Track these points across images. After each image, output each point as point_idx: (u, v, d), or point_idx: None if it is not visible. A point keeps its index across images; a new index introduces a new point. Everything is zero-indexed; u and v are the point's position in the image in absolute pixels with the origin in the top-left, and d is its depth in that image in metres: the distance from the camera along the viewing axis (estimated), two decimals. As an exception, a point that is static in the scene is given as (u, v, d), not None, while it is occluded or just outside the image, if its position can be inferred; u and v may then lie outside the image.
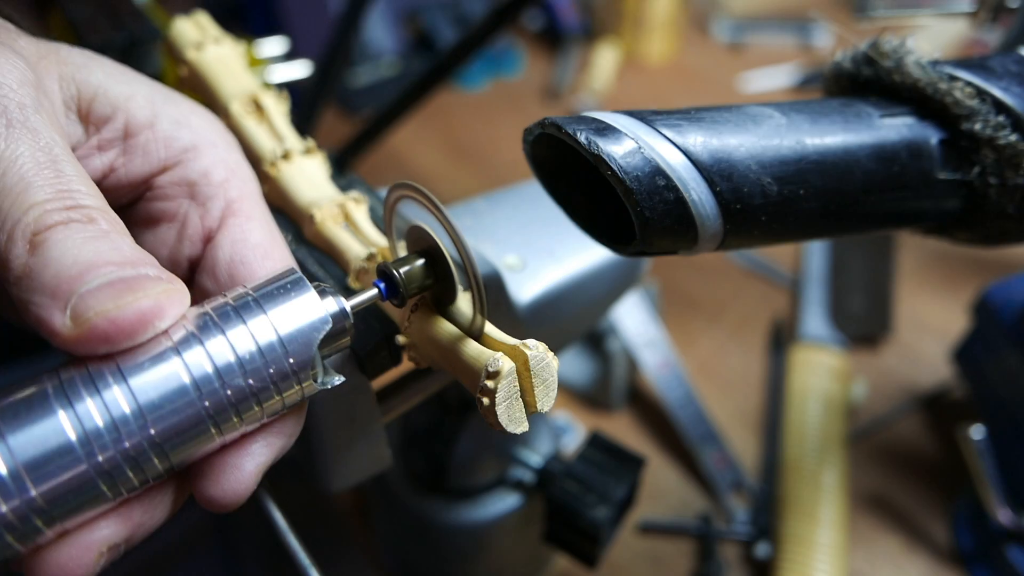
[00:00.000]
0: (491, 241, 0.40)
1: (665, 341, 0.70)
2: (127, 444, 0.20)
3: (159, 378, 0.21)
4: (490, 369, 0.24)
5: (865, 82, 0.33)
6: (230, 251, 0.26)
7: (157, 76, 0.63)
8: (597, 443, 0.46)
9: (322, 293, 0.23)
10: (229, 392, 0.21)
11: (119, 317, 0.20)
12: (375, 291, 0.25)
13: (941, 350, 0.75)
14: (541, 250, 0.40)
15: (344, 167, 0.40)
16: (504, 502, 0.50)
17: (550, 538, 0.46)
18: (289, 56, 0.78)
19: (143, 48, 0.61)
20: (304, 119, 0.63)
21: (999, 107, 0.30)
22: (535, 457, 0.49)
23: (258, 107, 0.35)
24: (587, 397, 0.73)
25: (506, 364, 0.24)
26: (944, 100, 0.30)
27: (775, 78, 1.14)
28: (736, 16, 1.28)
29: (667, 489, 0.65)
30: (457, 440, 0.46)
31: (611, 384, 0.70)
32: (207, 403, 0.21)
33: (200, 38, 0.38)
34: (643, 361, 0.69)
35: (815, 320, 0.75)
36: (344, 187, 0.35)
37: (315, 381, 0.23)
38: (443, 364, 0.27)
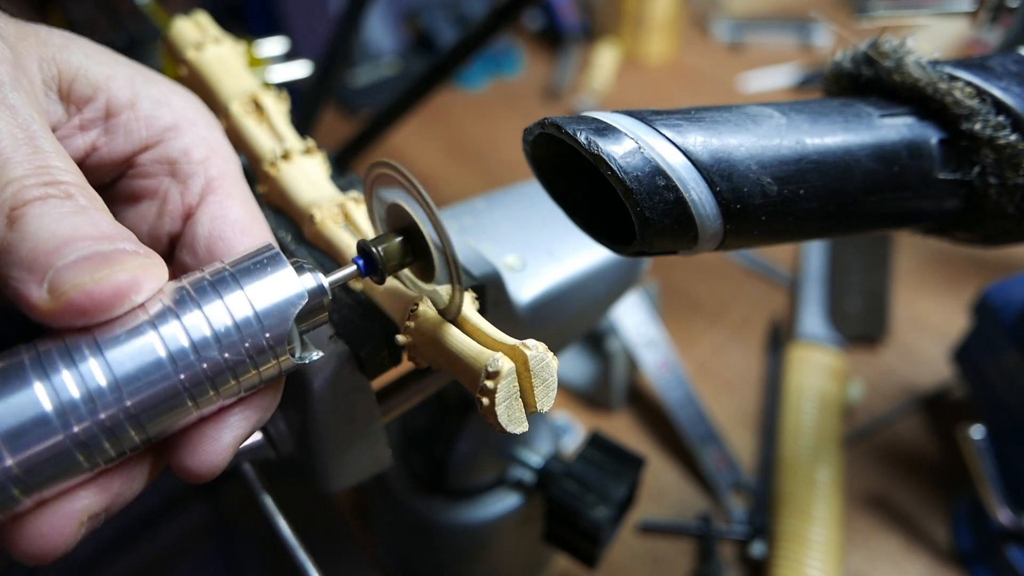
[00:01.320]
0: (491, 241, 0.40)
1: (665, 341, 0.70)
2: (103, 416, 0.20)
3: (135, 351, 0.21)
4: (490, 369, 0.24)
5: (865, 82, 0.33)
6: (209, 227, 0.27)
7: (157, 76, 0.62)
8: (597, 443, 0.46)
9: (299, 269, 0.24)
10: (205, 366, 0.22)
11: (96, 290, 0.20)
12: (353, 267, 0.26)
13: (941, 350, 0.75)
14: (541, 250, 0.40)
15: (344, 167, 0.40)
16: (504, 502, 0.49)
17: (550, 538, 0.46)
18: (289, 56, 0.78)
19: (143, 48, 0.61)
20: (304, 119, 0.63)
21: (999, 107, 0.30)
22: (535, 457, 0.49)
23: (258, 107, 0.35)
24: (587, 397, 0.73)
25: (506, 364, 0.24)
26: (944, 100, 0.30)
27: (775, 78, 1.14)
28: (736, 16, 1.28)
29: (667, 489, 0.65)
30: (457, 440, 0.46)
31: (611, 384, 0.70)
32: (183, 376, 0.21)
33: (200, 38, 0.38)
34: (643, 361, 0.69)
35: (813, 319, 0.75)
36: (344, 187, 0.35)
37: (292, 356, 0.24)
38: (443, 364, 0.27)
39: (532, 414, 0.25)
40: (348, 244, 0.31)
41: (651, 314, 0.71)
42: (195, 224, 0.27)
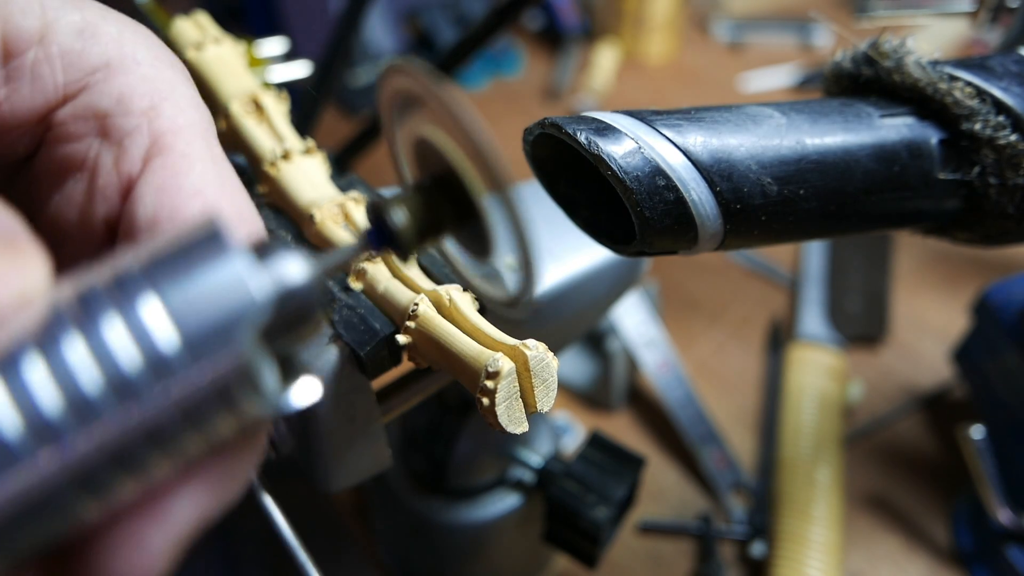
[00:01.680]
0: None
1: (665, 341, 0.70)
2: None
3: None
4: (490, 369, 0.24)
5: (865, 82, 0.33)
6: (154, 204, 0.18)
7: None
8: (597, 443, 0.46)
9: (262, 251, 0.15)
10: (98, 437, 0.13)
11: None
12: (359, 243, 0.18)
13: (941, 350, 0.75)
14: (541, 250, 0.40)
15: (344, 167, 0.40)
16: (504, 502, 0.50)
17: (550, 538, 0.46)
18: (289, 56, 0.78)
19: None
20: (304, 119, 0.63)
21: (999, 107, 0.30)
22: (535, 457, 0.49)
23: (258, 107, 0.35)
24: (587, 397, 0.73)
25: (506, 364, 0.24)
26: (944, 100, 0.30)
27: (775, 78, 1.14)
28: (736, 16, 1.28)
29: (667, 489, 0.65)
30: (457, 440, 0.46)
31: (611, 384, 0.70)
32: (55, 459, 0.13)
33: (200, 38, 0.38)
34: (643, 361, 0.69)
35: (812, 319, 0.75)
36: (344, 187, 0.35)
37: (260, 397, 0.15)
38: (443, 364, 0.27)
39: (532, 414, 0.25)
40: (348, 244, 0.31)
41: (651, 314, 0.71)
42: (136, 201, 0.19)
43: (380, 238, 0.17)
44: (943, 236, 0.35)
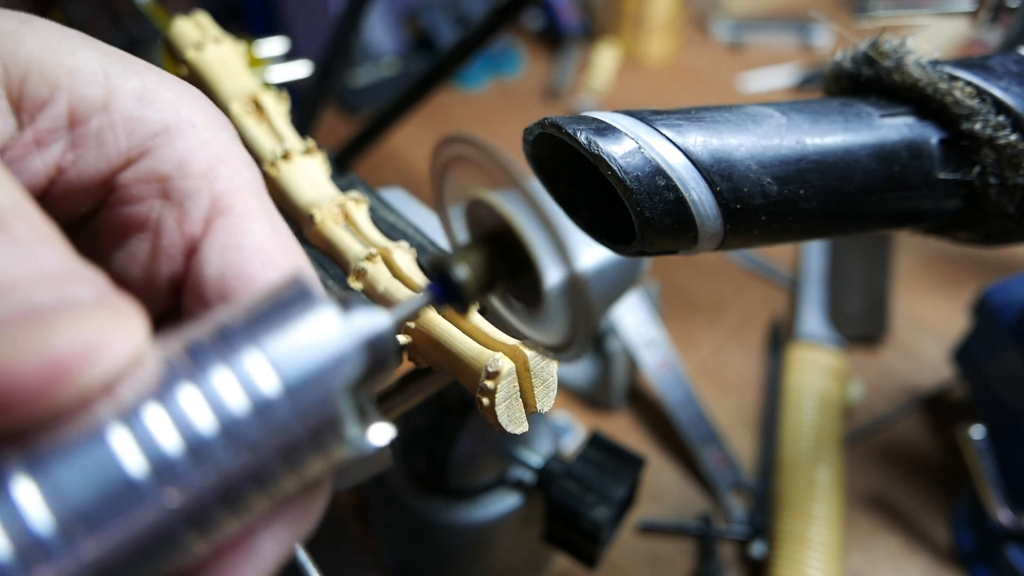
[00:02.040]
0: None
1: (665, 341, 0.70)
2: None
3: (93, 466, 0.13)
4: (490, 369, 0.24)
5: (865, 82, 0.33)
6: (220, 263, 0.19)
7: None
8: (597, 443, 0.46)
9: (345, 305, 0.16)
10: (212, 478, 0.14)
11: (16, 370, 0.13)
12: (426, 296, 0.19)
13: (941, 350, 0.75)
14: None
15: (344, 167, 0.40)
16: (504, 502, 0.49)
17: (550, 538, 0.46)
18: (289, 56, 0.78)
19: (143, 48, 0.61)
20: (304, 119, 0.63)
21: (999, 107, 0.30)
22: (535, 457, 0.49)
23: (258, 107, 0.35)
24: (587, 397, 0.73)
25: (506, 364, 0.24)
26: (944, 100, 0.30)
27: (775, 78, 1.14)
28: (736, 16, 1.28)
29: (667, 489, 0.65)
30: (457, 440, 0.46)
31: (611, 384, 0.70)
32: (176, 499, 0.14)
33: (200, 38, 0.38)
34: (643, 361, 0.69)
35: (813, 319, 0.75)
36: (344, 187, 0.35)
37: (347, 441, 0.16)
38: (443, 364, 0.27)
39: (532, 414, 0.25)
40: (348, 244, 0.31)
41: (651, 314, 0.71)
42: (202, 261, 0.20)
43: (444, 293, 0.19)
44: (943, 236, 0.35)
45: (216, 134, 0.21)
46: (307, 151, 0.34)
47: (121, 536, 0.14)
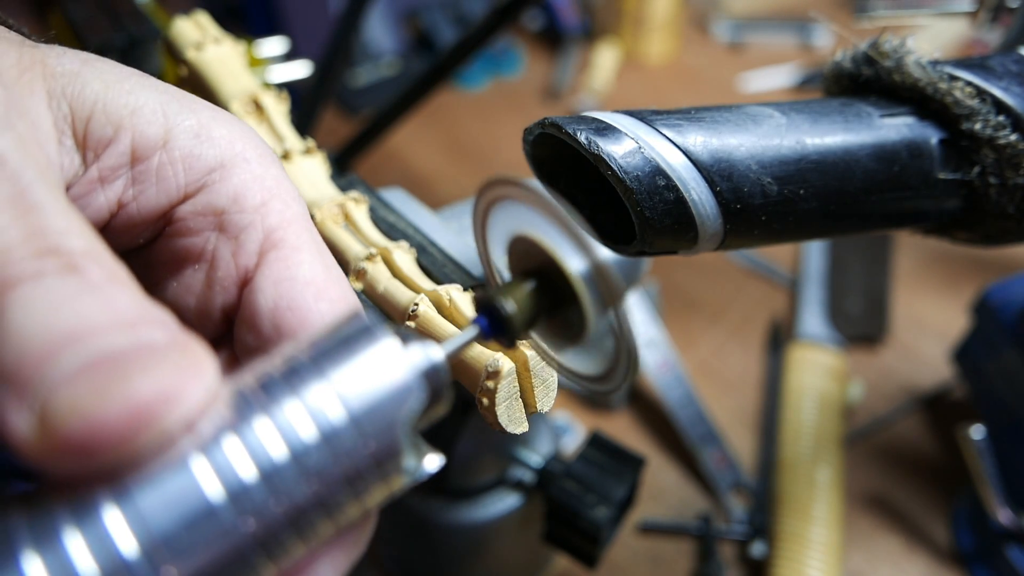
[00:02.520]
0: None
1: (665, 341, 0.70)
2: None
3: (177, 494, 0.14)
4: (490, 369, 0.24)
5: (865, 82, 0.33)
6: (273, 295, 0.21)
7: (157, 76, 0.63)
8: (597, 443, 0.46)
9: (403, 340, 0.17)
10: (284, 506, 0.15)
11: (103, 415, 0.14)
12: (475, 330, 0.20)
13: (941, 350, 0.75)
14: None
15: (344, 167, 0.40)
16: (504, 502, 0.49)
17: (550, 538, 0.46)
18: (289, 56, 0.78)
19: (143, 48, 0.61)
20: (304, 119, 0.63)
21: (999, 107, 0.30)
22: (535, 457, 0.49)
23: (258, 107, 0.35)
24: (587, 397, 0.73)
25: (506, 364, 0.24)
26: (944, 100, 0.30)
27: (775, 78, 1.14)
28: (736, 16, 1.28)
29: (667, 489, 0.65)
30: (457, 440, 0.46)
31: (611, 384, 0.70)
32: (251, 525, 0.15)
33: (200, 38, 0.38)
34: (643, 361, 0.69)
35: (813, 319, 0.75)
36: (344, 187, 0.35)
37: (405, 471, 0.17)
38: (443, 364, 0.27)
39: (532, 414, 0.25)
40: (348, 244, 0.31)
41: (651, 314, 0.71)
42: (256, 292, 0.21)
43: (491, 327, 0.20)
44: (943, 236, 0.35)
45: (267, 169, 0.22)
46: (307, 151, 0.34)
47: (199, 561, 0.14)
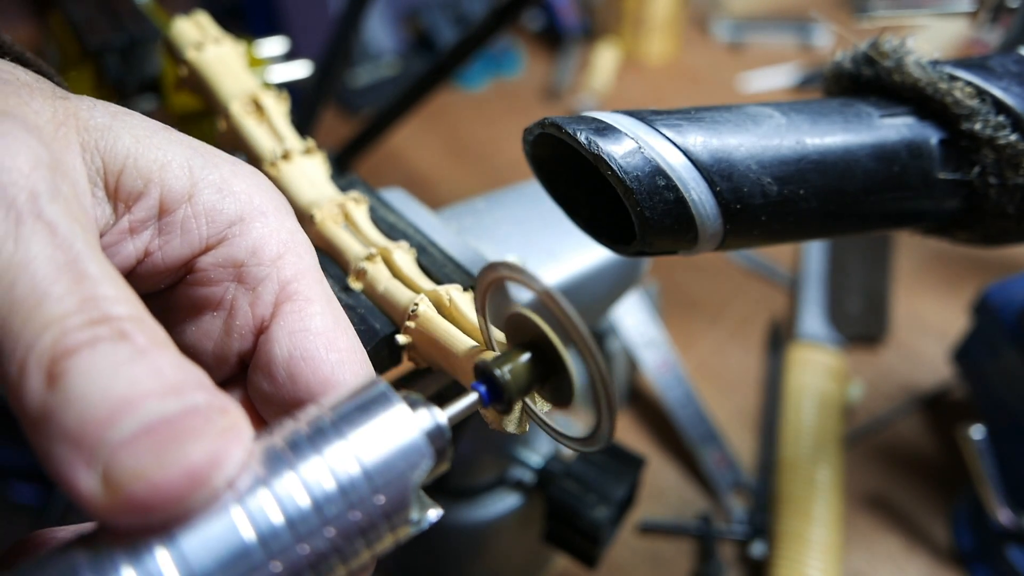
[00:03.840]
0: (491, 241, 0.40)
1: (665, 341, 0.70)
2: None
3: (216, 538, 0.17)
4: (490, 369, 0.24)
5: (865, 82, 0.33)
6: (288, 345, 0.22)
7: (157, 76, 0.63)
8: (597, 443, 0.46)
9: (412, 405, 0.20)
10: (306, 550, 0.17)
11: (164, 479, 0.16)
12: (474, 396, 0.22)
13: (941, 350, 0.75)
14: (541, 250, 0.40)
15: (344, 167, 0.40)
16: (504, 502, 0.49)
17: (550, 538, 0.46)
18: (289, 56, 0.78)
19: (143, 48, 0.61)
20: (304, 119, 0.63)
21: (999, 107, 0.30)
22: (535, 457, 0.49)
23: (258, 107, 0.35)
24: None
25: (506, 364, 0.24)
26: (944, 100, 0.30)
27: (775, 78, 1.14)
28: (736, 16, 1.28)
29: (667, 489, 0.65)
30: (457, 440, 0.46)
31: (611, 384, 0.70)
32: (279, 567, 0.17)
33: (200, 38, 0.38)
34: (643, 361, 0.69)
35: (813, 319, 0.75)
36: (344, 187, 0.35)
37: (410, 521, 0.19)
38: (443, 364, 0.27)
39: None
40: (348, 244, 0.31)
41: (651, 314, 0.71)
42: (271, 342, 0.22)
43: (491, 395, 0.22)
44: (943, 236, 0.35)
45: (283, 222, 0.24)
46: (307, 151, 0.34)
47: None
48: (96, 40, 0.59)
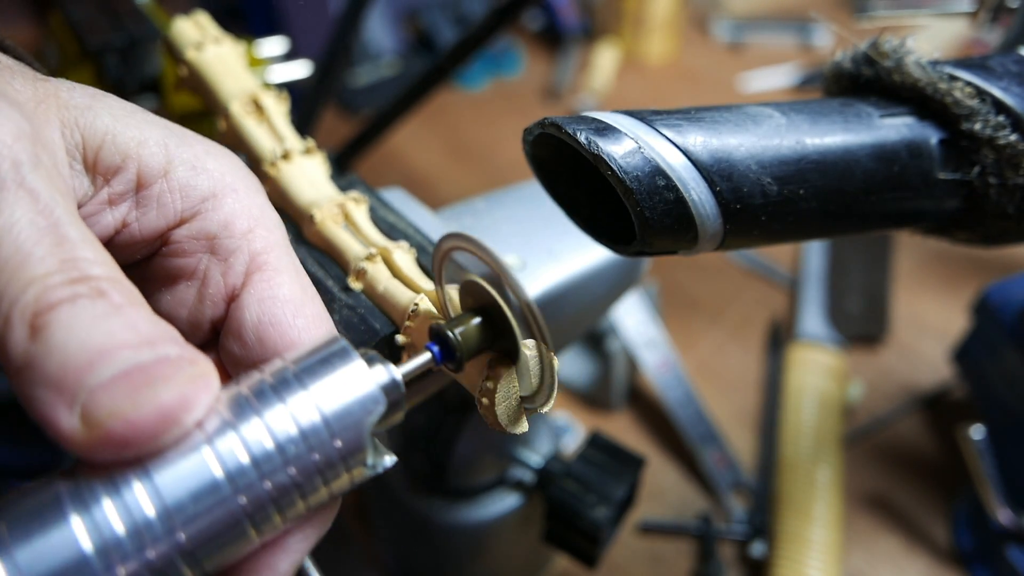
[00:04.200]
0: (491, 241, 0.40)
1: (665, 341, 0.70)
2: (152, 554, 0.18)
3: (188, 473, 0.18)
4: (490, 370, 0.24)
5: (865, 82, 0.33)
6: (257, 311, 0.24)
7: (157, 76, 0.63)
8: (597, 443, 0.46)
9: (369, 361, 0.21)
10: (269, 486, 0.19)
11: (138, 417, 0.17)
12: (427, 356, 0.23)
13: (941, 350, 0.75)
14: (541, 250, 0.40)
15: (344, 167, 0.40)
16: (504, 502, 0.49)
17: (550, 538, 0.46)
18: (289, 56, 0.78)
19: (143, 48, 0.61)
20: (304, 119, 0.63)
21: (999, 107, 0.30)
22: (535, 457, 0.49)
23: (258, 107, 0.35)
24: (587, 397, 0.73)
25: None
26: (944, 100, 0.30)
27: (775, 78, 1.14)
28: (736, 16, 1.28)
29: (667, 489, 0.65)
30: (457, 440, 0.46)
31: (611, 384, 0.70)
32: (244, 500, 0.19)
33: (200, 38, 0.38)
34: (643, 361, 0.69)
35: (813, 319, 0.75)
36: (344, 187, 0.35)
37: (365, 465, 0.21)
38: (443, 364, 0.27)
39: (532, 414, 0.25)
40: (348, 244, 0.31)
41: (651, 314, 0.71)
42: (241, 308, 0.24)
43: (444, 354, 0.23)
44: (943, 236, 0.35)
45: (253, 199, 0.25)
46: (307, 151, 0.34)
47: (201, 524, 0.18)
48: (96, 40, 0.59)
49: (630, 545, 0.62)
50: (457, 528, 0.49)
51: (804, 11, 1.29)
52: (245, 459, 0.19)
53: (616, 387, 0.70)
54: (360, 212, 0.32)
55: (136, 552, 0.17)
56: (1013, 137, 0.29)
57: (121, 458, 0.18)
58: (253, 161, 0.35)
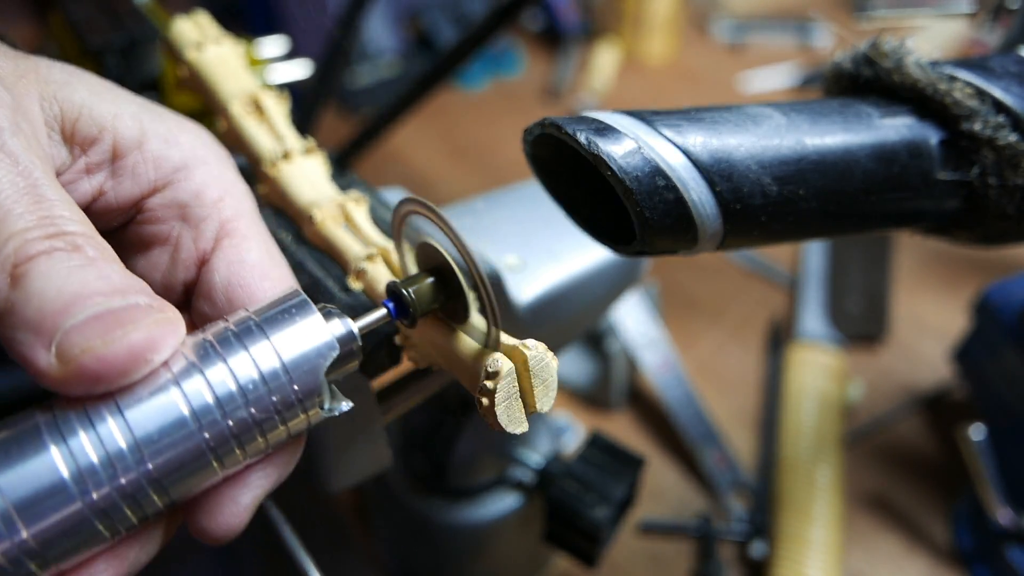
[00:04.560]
0: (491, 241, 0.40)
1: (665, 341, 0.70)
2: (123, 480, 0.19)
3: (156, 409, 0.20)
4: (489, 369, 0.24)
5: (865, 82, 0.33)
6: (226, 273, 0.25)
7: (157, 76, 0.63)
8: (597, 443, 0.46)
9: (327, 315, 0.23)
10: (231, 423, 0.21)
11: (108, 354, 0.19)
12: (383, 311, 0.25)
13: (941, 350, 0.75)
14: (541, 250, 0.40)
15: (344, 167, 0.40)
16: (504, 502, 0.49)
17: (550, 538, 0.46)
18: (289, 56, 0.78)
19: (143, 48, 0.61)
20: (304, 119, 0.63)
21: (999, 107, 0.30)
22: (535, 457, 0.49)
23: (258, 107, 0.35)
24: (587, 397, 0.73)
25: (505, 364, 0.24)
26: (944, 100, 0.30)
27: (775, 78, 1.14)
28: (736, 16, 1.28)
29: (667, 489, 0.65)
30: (457, 440, 0.46)
31: (611, 384, 0.70)
32: (208, 435, 0.20)
33: (200, 38, 0.38)
34: (643, 361, 0.69)
35: (813, 319, 0.75)
36: (344, 187, 0.35)
37: (321, 408, 0.23)
38: (443, 364, 0.27)
39: (532, 414, 0.25)
40: (348, 244, 0.31)
41: (651, 314, 0.71)
42: (211, 271, 0.26)
43: (398, 310, 0.25)
44: (943, 236, 0.35)
45: (223, 171, 0.27)
46: (307, 151, 0.34)
47: (169, 456, 0.20)
48: (96, 40, 0.59)
49: (630, 545, 0.62)
50: (457, 528, 0.49)
51: (804, 11, 1.29)
52: (209, 398, 0.20)
53: (616, 387, 0.70)
54: (360, 212, 0.32)
55: (109, 479, 0.19)
56: (1013, 137, 0.29)
57: (94, 391, 0.19)
58: (253, 161, 0.35)
